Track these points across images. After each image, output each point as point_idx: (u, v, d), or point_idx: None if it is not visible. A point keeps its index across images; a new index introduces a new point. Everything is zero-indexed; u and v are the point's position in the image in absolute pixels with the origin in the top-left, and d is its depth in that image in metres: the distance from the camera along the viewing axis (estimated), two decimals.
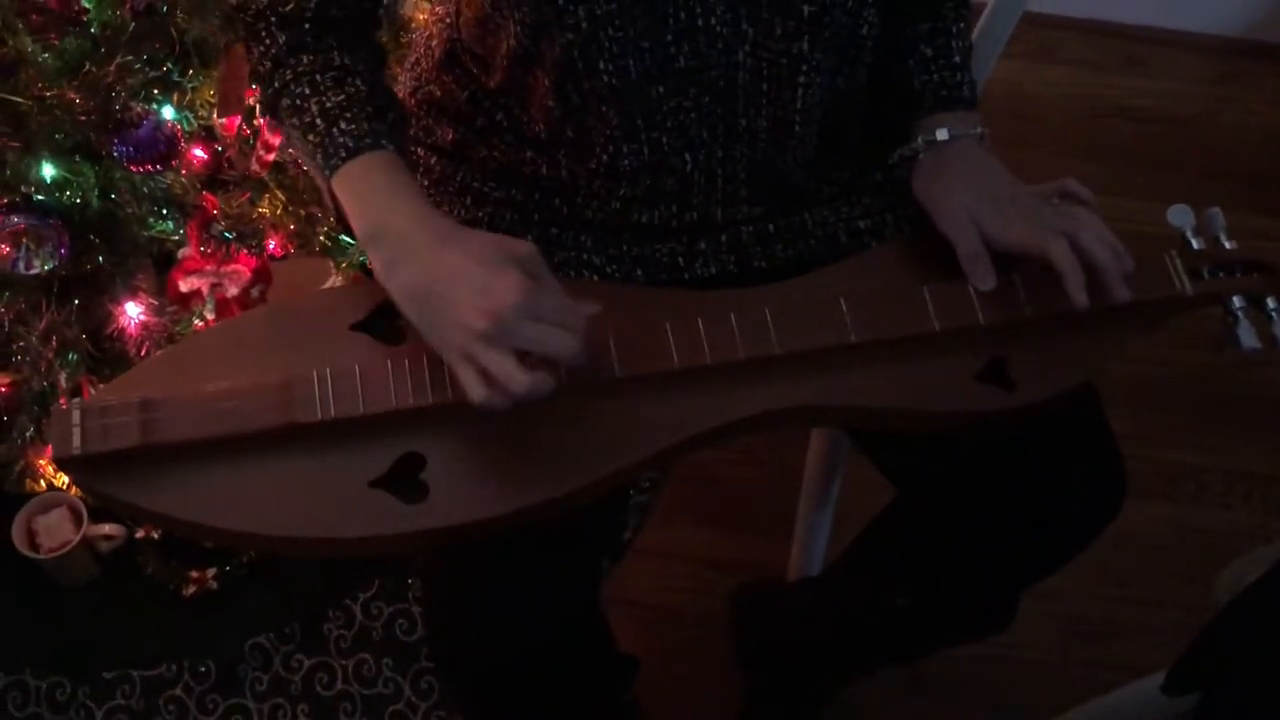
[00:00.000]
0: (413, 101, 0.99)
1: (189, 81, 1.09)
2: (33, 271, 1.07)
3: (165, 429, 0.79)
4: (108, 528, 1.43)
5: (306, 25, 0.85)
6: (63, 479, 1.29)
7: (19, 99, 1.01)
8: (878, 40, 0.89)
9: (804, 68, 0.85)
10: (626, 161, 0.88)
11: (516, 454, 0.81)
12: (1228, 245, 0.91)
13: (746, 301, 0.86)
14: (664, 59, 0.82)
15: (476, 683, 0.95)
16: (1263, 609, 0.88)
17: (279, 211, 1.18)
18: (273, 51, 0.85)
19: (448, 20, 0.94)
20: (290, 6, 0.85)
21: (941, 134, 0.91)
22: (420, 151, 0.99)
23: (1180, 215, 0.92)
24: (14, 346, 1.12)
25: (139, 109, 1.04)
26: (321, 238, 1.22)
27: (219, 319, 1.17)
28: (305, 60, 0.84)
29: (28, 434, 1.17)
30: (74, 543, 1.38)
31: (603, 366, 0.83)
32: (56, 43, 1.03)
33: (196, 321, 1.16)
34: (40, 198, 1.07)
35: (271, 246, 1.21)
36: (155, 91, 1.08)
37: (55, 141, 1.04)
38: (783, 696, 1.36)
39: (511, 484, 0.81)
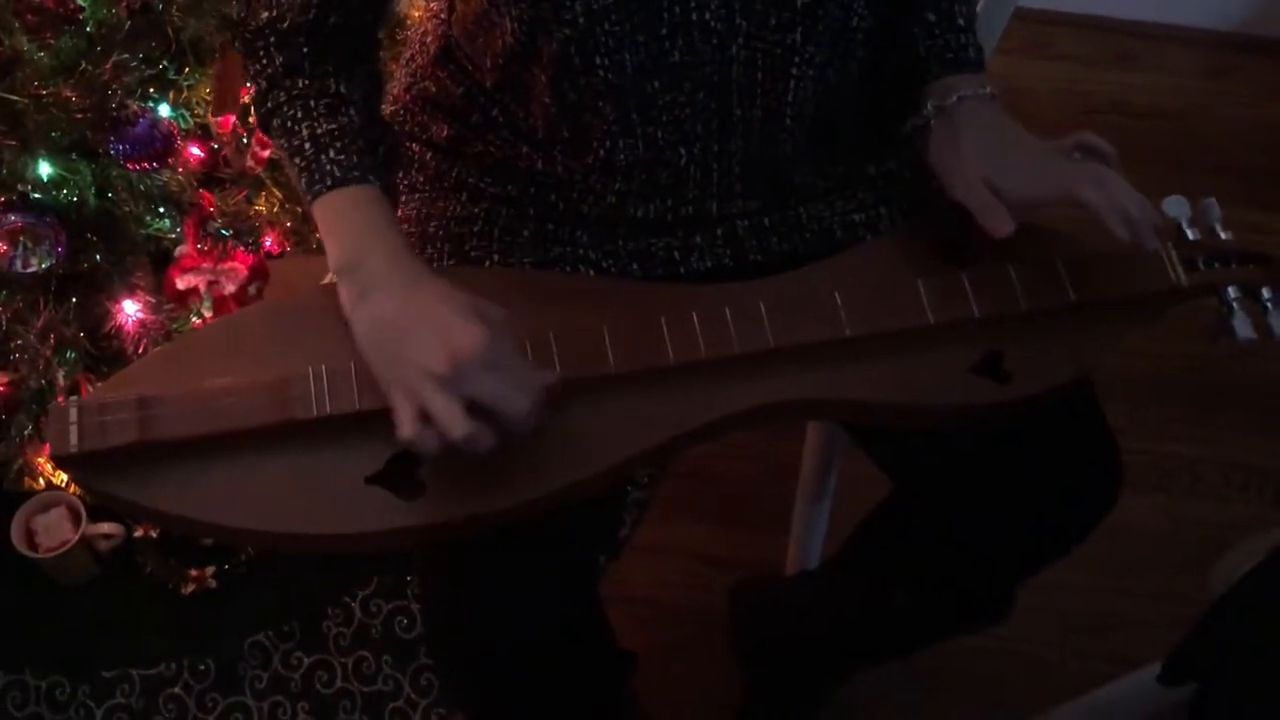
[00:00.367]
0: (408, 97, 0.99)
1: (185, 80, 1.09)
2: (30, 270, 1.08)
3: (162, 426, 0.79)
4: (106, 527, 1.43)
5: (304, 48, 0.85)
6: (61, 477, 1.29)
7: (15, 97, 1.01)
8: (869, 34, 0.89)
9: (796, 60, 0.85)
10: (622, 156, 0.88)
11: (512, 450, 0.81)
12: (1223, 236, 0.92)
13: (741, 295, 0.86)
14: (659, 54, 0.82)
15: (476, 680, 0.95)
16: (1257, 599, 0.88)
17: (275, 209, 1.18)
18: (269, 71, 0.86)
19: (441, 16, 0.94)
20: (288, 24, 0.85)
21: (950, 98, 0.90)
22: (415, 147, 0.99)
23: (1175, 206, 0.92)
24: (12, 345, 1.12)
25: (135, 107, 1.04)
26: (318, 235, 1.22)
27: (216, 316, 1.17)
28: (301, 84, 0.85)
29: (26, 432, 1.17)
30: (72, 542, 1.39)
31: (598, 361, 0.83)
32: (52, 42, 1.03)
33: (194, 319, 1.17)
34: (37, 196, 1.07)
35: (268, 244, 1.21)
36: (151, 90, 1.08)
37: (52, 140, 1.04)
38: (781, 691, 1.36)
39: (507, 479, 0.81)
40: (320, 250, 1.26)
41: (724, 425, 0.86)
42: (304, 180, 0.83)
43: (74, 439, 0.78)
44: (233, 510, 0.80)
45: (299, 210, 1.20)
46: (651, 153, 0.88)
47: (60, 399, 1.13)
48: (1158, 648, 1.00)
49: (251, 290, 1.18)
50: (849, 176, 0.98)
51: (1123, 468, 0.95)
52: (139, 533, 1.46)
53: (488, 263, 0.94)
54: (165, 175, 1.10)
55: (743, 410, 0.85)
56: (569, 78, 0.83)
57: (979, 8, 1.10)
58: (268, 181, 1.19)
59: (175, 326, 1.15)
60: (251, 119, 1.17)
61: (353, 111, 0.85)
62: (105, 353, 1.15)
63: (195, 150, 1.18)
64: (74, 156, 1.07)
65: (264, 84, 0.86)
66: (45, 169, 1.06)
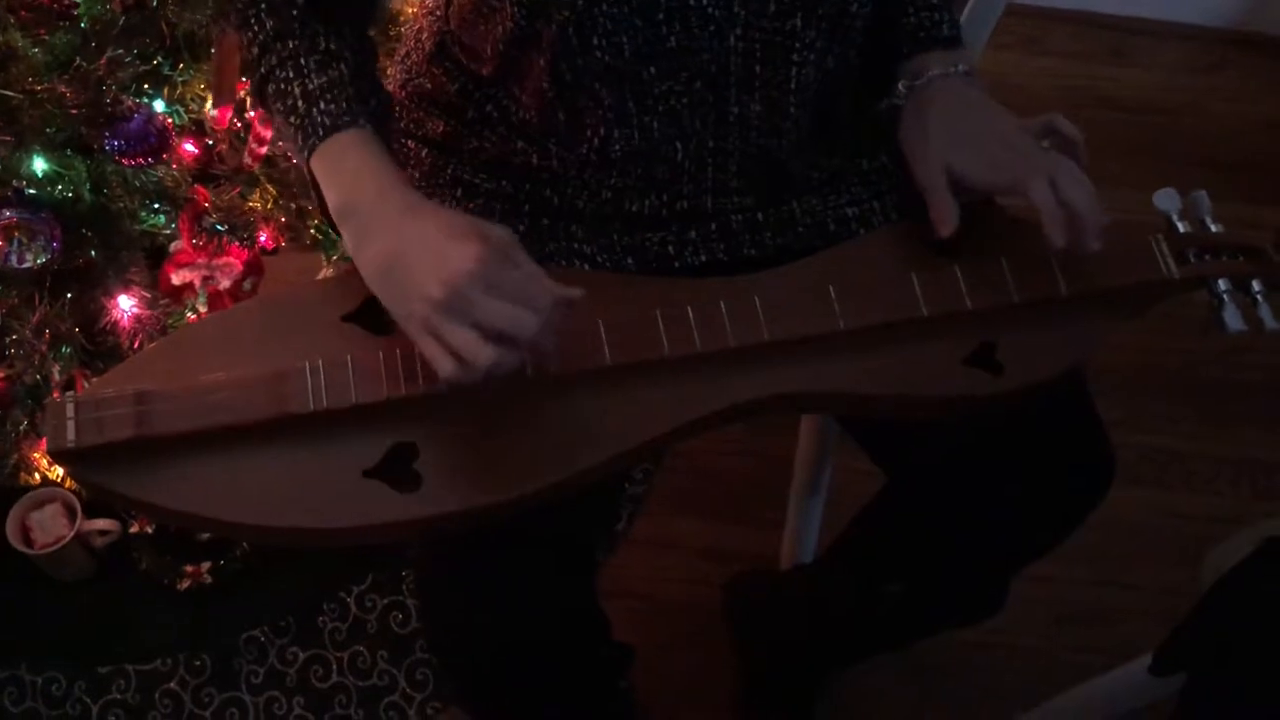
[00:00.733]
0: (403, 94, 1.00)
1: (179, 75, 1.09)
2: (25, 265, 1.07)
3: (159, 421, 0.79)
4: (102, 523, 1.43)
5: (295, 11, 0.85)
6: (56, 472, 1.29)
7: (10, 93, 1.01)
8: (867, 19, 0.89)
9: (797, 45, 0.85)
10: (618, 147, 0.88)
11: (509, 442, 0.81)
12: (1213, 228, 0.92)
13: (736, 289, 0.87)
14: (655, 38, 0.82)
15: (473, 674, 0.95)
16: (1246, 591, 0.89)
17: (270, 205, 1.18)
18: (260, 38, 0.85)
19: (438, 13, 0.94)
20: None
21: (922, 78, 0.90)
22: (411, 144, 0.99)
23: (1166, 199, 0.93)
24: (7, 340, 1.12)
25: (130, 103, 1.04)
26: (313, 230, 1.22)
27: (211, 312, 1.18)
28: (291, 45, 0.84)
29: (21, 427, 1.17)
30: (68, 538, 1.39)
31: (594, 354, 0.83)
32: (47, 37, 1.03)
33: (189, 314, 1.17)
34: (32, 191, 1.07)
35: (263, 239, 1.21)
36: (146, 86, 1.08)
37: (47, 135, 1.04)
38: (778, 684, 1.36)
39: (504, 472, 0.81)
40: (314, 246, 1.27)
41: (719, 419, 0.86)
42: (299, 138, 0.82)
43: (71, 434, 0.78)
44: (229, 505, 0.80)
45: (294, 206, 1.20)
46: (647, 145, 0.88)
47: (55, 394, 1.13)
48: (1151, 639, 1.00)
49: (247, 285, 1.18)
50: (843, 171, 0.98)
51: (1114, 460, 0.95)
52: (135, 529, 1.46)
53: None
54: (160, 171, 1.10)
55: (738, 403, 0.85)
56: (566, 60, 0.83)
57: (971, 3, 1.10)
58: (262, 177, 1.19)
59: (170, 322, 1.15)
60: (248, 114, 1.17)
61: (343, 66, 0.84)
62: (101, 348, 1.15)
63: (190, 146, 1.19)
64: (69, 152, 1.07)
65: (256, 51, 0.86)
66: (40, 165, 1.06)
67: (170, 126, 1.08)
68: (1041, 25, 2.05)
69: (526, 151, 0.92)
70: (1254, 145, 1.94)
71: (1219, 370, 1.69)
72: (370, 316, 0.85)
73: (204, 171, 1.20)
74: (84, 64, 1.00)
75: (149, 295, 1.13)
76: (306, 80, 0.83)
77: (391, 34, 1.21)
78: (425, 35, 0.96)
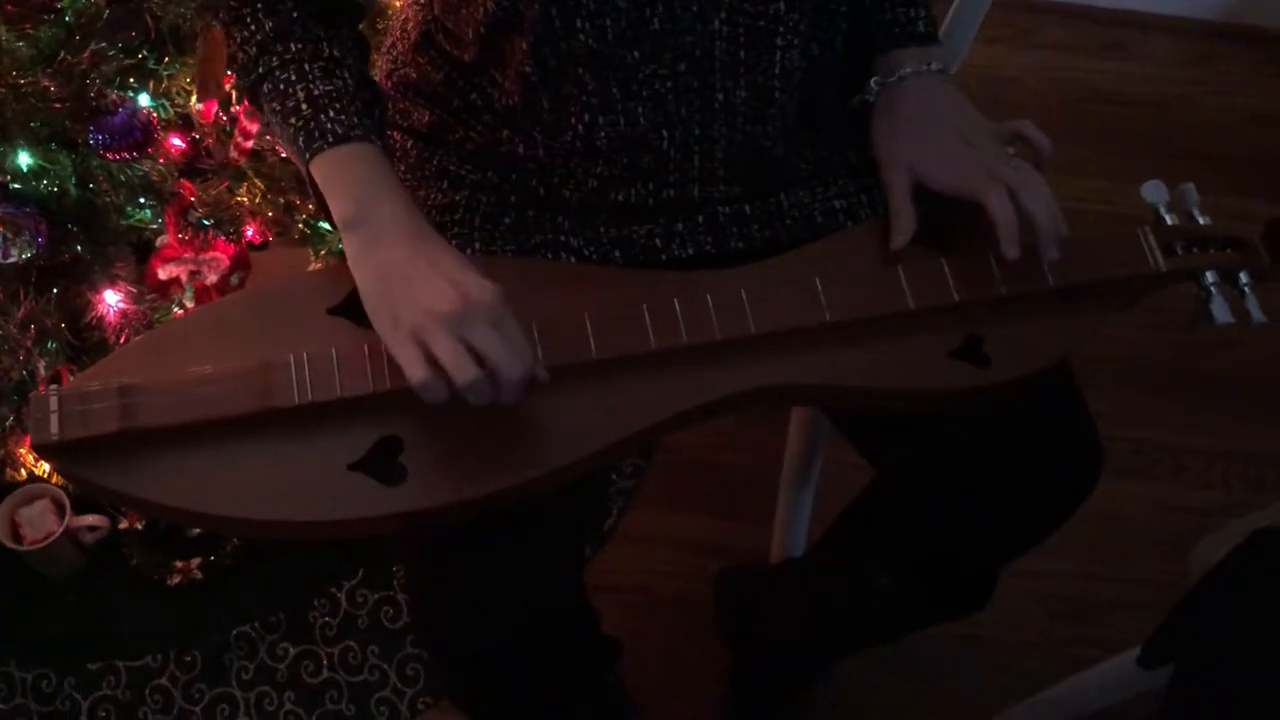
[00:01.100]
0: (389, 84, 0.99)
1: (165, 69, 1.08)
2: (10, 260, 1.07)
3: (143, 414, 0.79)
4: (91, 519, 1.43)
5: (294, 13, 0.85)
6: (43, 468, 1.29)
7: None
8: (851, 5, 0.89)
9: (781, 29, 0.85)
10: (603, 134, 0.88)
11: (494, 435, 0.81)
12: (1201, 221, 0.92)
13: (723, 282, 0.87)
14: (638, 21, 0.82)
15: (461, 668, 0.95)
16: (1233, 582, 0.89)
17: (258, 199, 1.17)
18: (258, 37, 0.85)
19: (422, 1, 0.94)
20: None
21: (895, 75, 0.90)
22: (397, 135, 0.99)
23: (1154, 191, 0.93)
24: None
25: (114, 96, 1.04)
26: (301, 225, 1.22)
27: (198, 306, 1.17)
28: (294, 49, 0.84)
29: (7, 423, 1.16)
30: (57, 534, 1.38)
31: (580, 348, 0.83)
32: (31, 31, 1.02)
33: (176, 309, 1.16)
34: (17, 186, 1.07)
35: (250, 234, 1.21)
36: (131, 79, 1.07)
37: (31, 130, 1.03)
38: (767, 678, 1.37)
39: (489, 465, 0.81)
40: (302, 241, 1.27)
41: (706, 412, 0.86)
42: (301, 139, 0.82)
43: (55, 427, 0.78)
44: (215, 498, 0.80)
45: (281, 200, 1.20)
46: (633, 132, 0.88)
47: (42, 389, 1.12)
48: (1142, 632, 1.00)
49: (234, 280, 1.18)
50: (830, 163, 0.98)
51: (1102, 452, 0.95)
52: (124, 525, 1.45)
53: (469, 250, 0.94)
54: (146, 165, 1.10)
55: (724, 396, 0.85)
56: (549, 44, 0.83)
57: None
58: (250, 172, 1.19)
59: (157, 317, 1.15)
60: (234, 108, 1.17)
61: (347, 75, 0.84)
62: (87, 343, 1.15)
63: (176, 141, 1.18)
64: (54, 147, 1.06)
65: (253, 50, 0.85)
66: (25, 159, 1.06)
67: (155, 121, 1.08)
68: (1033, 18, 2.06)
69: (512, 140, 0.92)
70: (1244, 137, 1.94)
71: (1208, 363, 1.69)
72: (356, 310, 0.84)
73: (191, 166, 1.19)
74: (68, 57, 1.00)
75: (135, 290, 1.13)
76: (311, 85, 0.83)
77: (379, 27, 1.20)
78: (411, 25, 0.96)
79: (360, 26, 0.93)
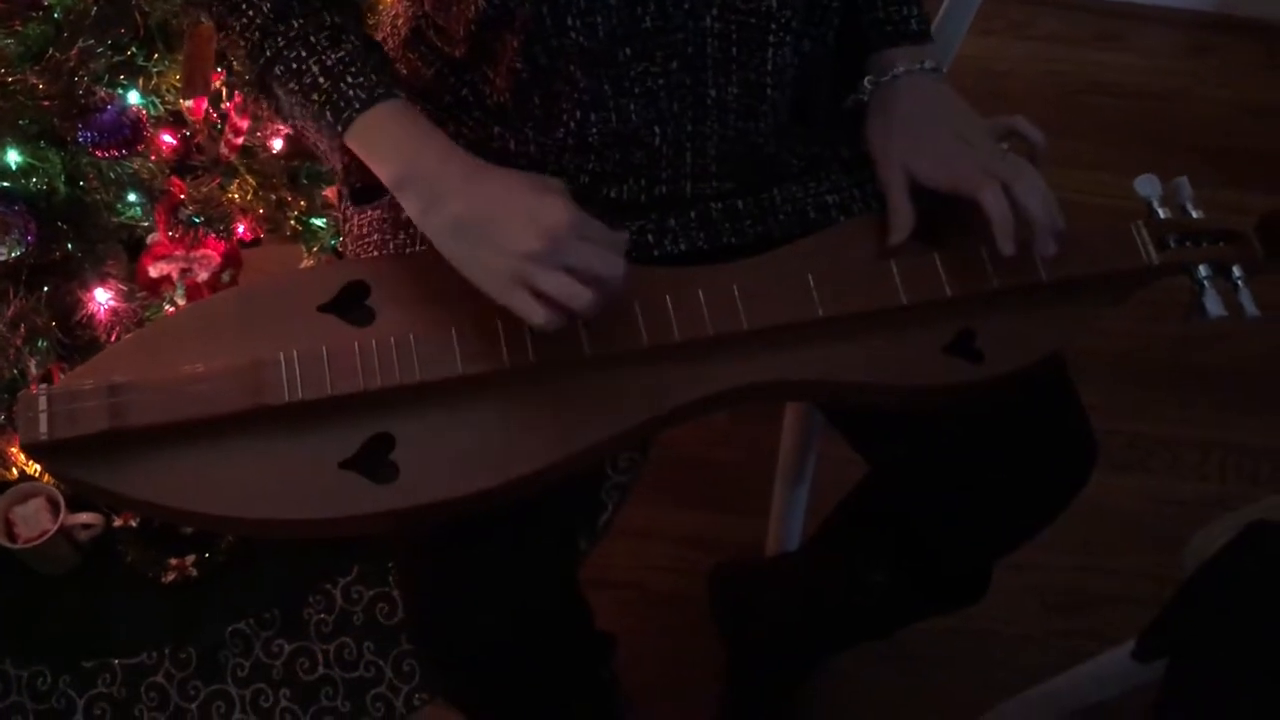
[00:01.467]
0: None
1: (154, 66, 1.08)
2: (0, 259, 1.07)
3: (134, 413, 0.79)
4: (85, 517, 1.43)
5: None
6: (35, 467, 1.28)
7: None
8: (843, 2, 0.89)
9: (773, 26, 0.85)
10: (594, 131, 0.87)
11: (485, 433, 0.81)
12: (1194, 214, 0.92)
13: (715, 278, 0.86)
14: (629, 19, 0.82)
15: (455, 665, 0.95)
16: (1227, 575, 0.89)
17: (249, 196, 1.17)
18: (258, 21, 0.84)
19: None
20: None
21: (888, 74, 0.90)
22: None
23: (1147, 185, 0.92)
24: None
25: (103, 93, 1.03)
26: (292, 221, 1.21)
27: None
28: (296, 25, 0.84)
29: None
30: (52, 532, 1.38)
31: (572, 345, 0.83)
32: (20, 28, 1.02)
33: (167, 307, 1.16)
34: (6, 184, 1.06)
35: (241, 231, 1.20)
36: (120, 77, 1.07)
37: (20, 127, 1.03)
38: (763, 672, 1.36)
39: (481, 463, 0.81)
40: (294, 238, 1.26)
41: (699, 407, 0.86)
42: (328, 113, 0.82)
43: (44, 427, 0.78)
44: (206, 496, 0.79)
45: (273, 197, 1.20)
46: (625, 129, 0.87)
47: (33, 388, 1.12)
48: (1136, 625, 1.00)
49: (225, 277, 1.18)
50: (823, 158, 0.97)
51: (1096, 445, 0.95)
52: (119, 522, 1.45)
53: None
54: (136, 162, 1.09)
55: (717, 392, 0.85)
56: (541, 41, 0.83)
57: None
58: (241, 168, 1.18)
59: (148, 314, 1.14)
60: (224, 104, 1.17)
61: (353, 37, 0.84)
62: (78, 342, 1.14)
63: (168, 138, 1.18)
64: (43, 144, 1.06)
65: (256, 35, 0.85)
66: (14, 157, 1.05)
67: (145, 118, 1.08)
68: (1027, 10, 2.05)
69: (503, 137, 0.91)
70: (1239, 129, 1.94)
71: (1202, 356, 1.69)
72: (347, 307, 0.84)
73: (182, 163, 1.19)
74: (56, 55, 1.00)
75: (126, 288, 1.12)
76: (324, 56, 0.83)
77: (370, 23, 1.20)
78: (401, 21, 0.96)
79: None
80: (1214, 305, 0.89)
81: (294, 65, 0.83)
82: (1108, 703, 1.21)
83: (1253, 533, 0.90)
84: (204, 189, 1.14)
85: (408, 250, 0.94)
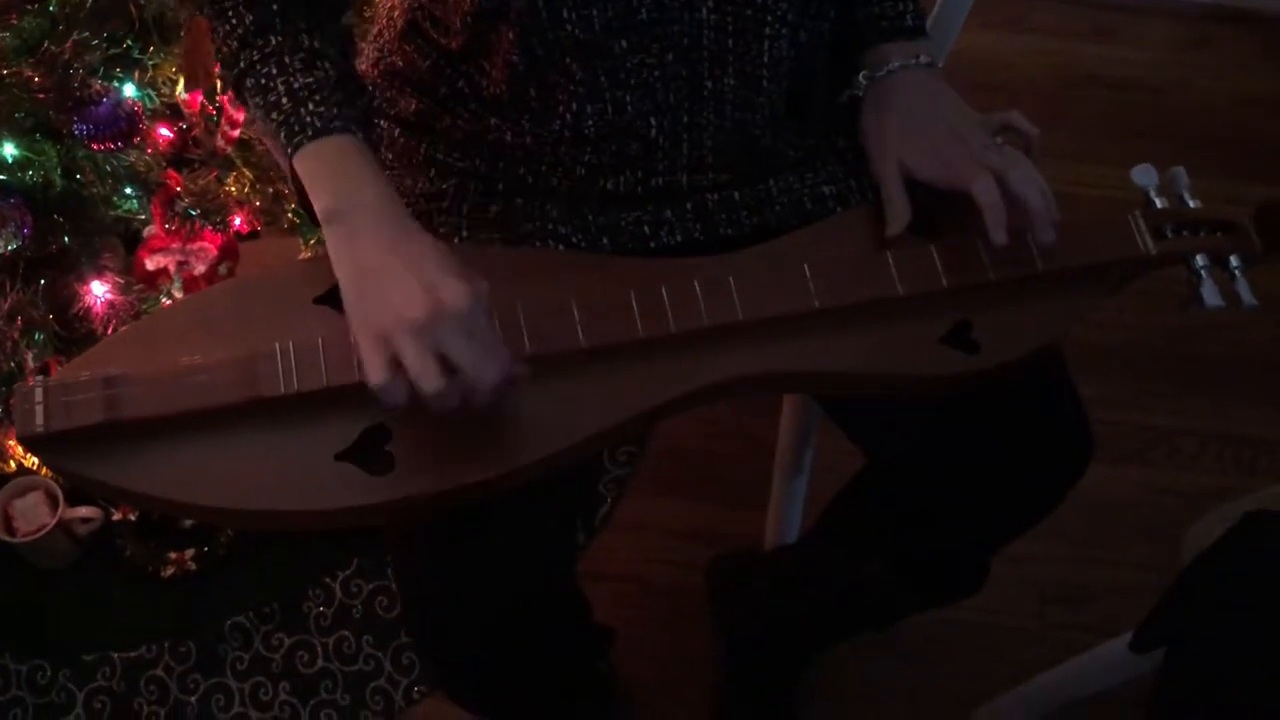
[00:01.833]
0: (375, 73, 0.99)
1: (149, 58, 1.08)
2: None
3: (130, 405, 0.79)
4: (84, 510, 1.43)
5: (274, 5, 0.84)
6: (32, 460, 1.28)
7: None
8: None
9: (769, 18, 0.85)
10: (591, 123, 0.87)
11: (481, 424, 0.81)
12: (1191, 204, 0.92)
13: (710, 269, 0.86)
14: (625, 11, 0.82)
15: (452, 658, 0.95)
16: (1224, 566, 0.89)
17: (246, 189, 1.17)
18: (239, 31, 0.84)
19: None
20: None
21: (883, 69, 0.90)
22: (384, 124, 0.98)
23: (1144, 175, 0.92)
24: None
25: (99, 86, 1.03)
26: (290, 214, 1.21)
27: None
28: (274, 41, 0.84)
29: None
30: (51, 526, 1.38)
31: (568, 336, 0.83)
32: (15, 21, 1.02)
33: (163, 299, 1.16)
34: (2, 178, 1.06)
35: (237, 223, 1.20)
36: (116, 69, 1.07)
37: (16, 120, 1.03)
38: (761, 665, 1.37)
39: (477, 454, 0.81)
40: (292, 230, 1.26)
41: (695, 399, 0.86)
42: (283, 134, 0.82)
43: (40, 419, 0.78)
44: (202, 488, 0.79)
45: (270, 190, 1.19)
46: (621, 120, 0.87)
47: (30, 381, 1.12)
48: (1136, 616, 1.00)
49: (222, 270, 1.18)
50: (819, 149, 0.97)
51: (1092, 436, 0.95)
52: (117, 516, 1.45)
53: (456, 239, 0.93)
54: (132, 155, 1.09)
55: (712, 384, 0.85)
56: (537, 34, 0.83)
57: None
58: (238, 161, 1.18)
59: (145, 307, 1.14)
60: (220, 98, 1.16)
61: (328, 65, 0.84)
62: (75, 334, 1.14)
63: (164, 131, 1.18)
64: (38, 137, 1.06)
65: (234, 44, 0.85)
66: (10, 150, 1.05)
67: (140, 110, 1.07)
68: (1025, 3, 2.05)
69: (499, 129, 0.91)
70: (1237, 121, 1.94)
71: (1200, 346, 1.69)
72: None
73: (178, 156, 1.19)
74: (52, 47, 0.99)
75: (123, 281, 1.12)
76: (291, 79, 0.82)
77: (366, 15, 1.20)
78: (397, 13, 0.96)
79: (346, 16, 0.92)
80: (1211, 295, 0.89)
81: (263, 81, 0.83)
82: (1105, 694, 1.22)
83: (1250, 523, 0.90)
84: (200, 182, 1.14)
85: None
